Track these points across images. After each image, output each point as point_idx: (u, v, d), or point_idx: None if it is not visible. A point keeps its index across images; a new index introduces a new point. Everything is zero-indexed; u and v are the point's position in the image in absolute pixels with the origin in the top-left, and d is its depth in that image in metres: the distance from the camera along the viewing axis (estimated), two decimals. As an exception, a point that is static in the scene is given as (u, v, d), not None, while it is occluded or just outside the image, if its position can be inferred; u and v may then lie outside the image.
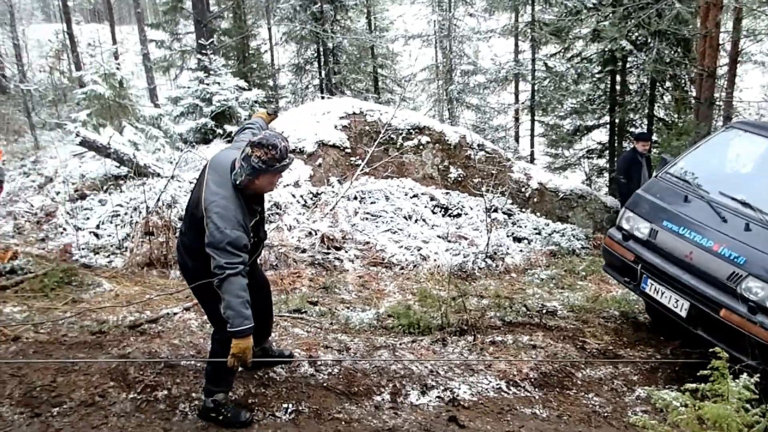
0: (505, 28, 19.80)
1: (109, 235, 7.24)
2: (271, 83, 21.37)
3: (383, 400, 4.27)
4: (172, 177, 7.80)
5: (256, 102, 12.56)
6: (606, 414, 4.49)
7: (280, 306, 5.58)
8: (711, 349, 3.11)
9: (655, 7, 12.24)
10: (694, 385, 3.00)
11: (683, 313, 4.80)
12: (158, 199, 7.28)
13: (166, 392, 4.03)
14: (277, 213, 7.36)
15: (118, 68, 10.88)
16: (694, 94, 12.81)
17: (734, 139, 5.60)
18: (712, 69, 11.15)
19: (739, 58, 15.29)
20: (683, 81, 14.90)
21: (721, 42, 12.20)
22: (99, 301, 5.62)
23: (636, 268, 5.21)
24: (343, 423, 3.93)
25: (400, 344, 5.11)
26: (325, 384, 4.32)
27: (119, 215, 7.59)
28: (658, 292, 5.04)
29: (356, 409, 4.11)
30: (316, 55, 20.45)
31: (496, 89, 20.59)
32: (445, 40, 20.34)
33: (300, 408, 4.02)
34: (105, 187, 8.69)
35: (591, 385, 4.88)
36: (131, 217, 7.42)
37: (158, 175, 8.58)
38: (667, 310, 4.97)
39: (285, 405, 4.02)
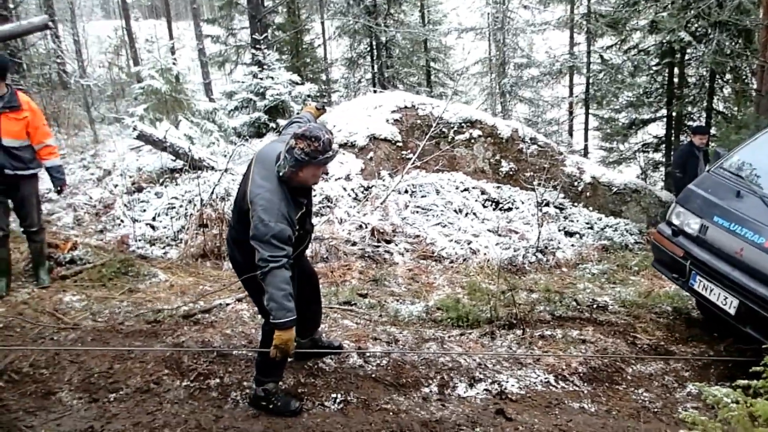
0: (560, 20, 19.45)
1: (165, 227, 7.48)
2: (324, 77, 21.58)
3: (431, 392, 4.32)
4: (226, 170, 8.01)
5: (309, 96, 12.72)
6: (656, 410, 4.43)
7: (330, 298, 5.69)
8: (764, 346, 3.06)
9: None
10: (746, 382, 2.95)
11: (732, 311, 4.73)
12: (212, 192, 7.49)
13: (218, 380, 4.18)
14: (328, 206, 7.48)
15: (174, 63, 11.20)
16: (755, 86, 12.35)
17: None
18: (774, 60, 10.71)
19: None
20: (744, 73, 14.40)
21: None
22: (155, 291, 5.84)
23: (685, 264, 5.15)
24: (390, 413, 3.99)
25: (449, 337, 5.15)
26: (373, 375, 4.39)
27: (174, 207, 7.83)
28: (707, 290, 4.98)
29: (404, 400, 4.16)
30: (368, 49, 20.55)
31: (550, 82, 20.28)
32: (499, 32, 20.16)
33: (348, 398, 4.10)
34: (161, 180, 8.98)
35: (641, 381, 4.82)
36: (186, 209, 7.64)
37: (212, 168, 8.80)
38: (716, 307, 4.91)
39: (334, 395, 4.11)
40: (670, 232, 5.41)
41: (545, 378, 4.69)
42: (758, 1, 11.73)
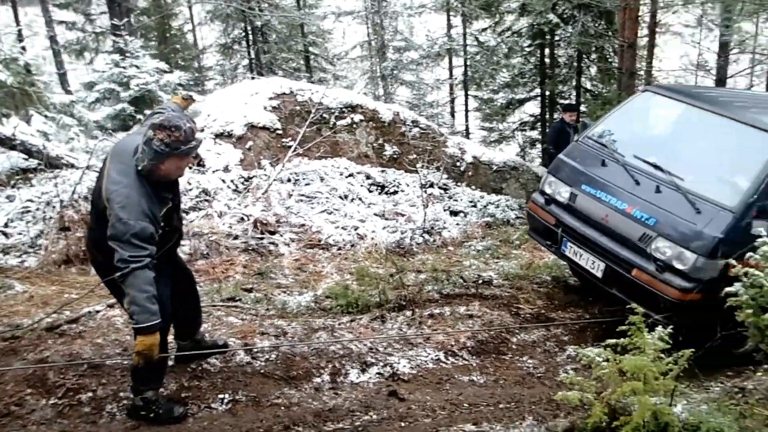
0: (437, 2, 19.79)
1: (20, 233, 6.80)
2: (196, 65, 20.76)
3: (323, 381, 4.24)
4: (88, 167, 7.39)
5: (180, 85, 12.18)
6: (539, 375, 4.61)
7: (212, 296, 5.46)
8: (628, 306, 3.21)
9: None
10: (615, 341, 3.09)
11: (599, 274, 4.96)
12: (73, 192, 6.92)
13: (90, 394, 3.84)
14: (206, 200, 7.18)
15: (21, 53, 10.24)
16: (617, 65, 13.15)
17: (648, 103, 5.77)
18: (633, 40, 11.43)
19: (657, 29, 15.76)
20: (608, 53, 15.28)
21: (640, 14, 12.50)
22: (11, 304, 5.28)
23: (557, 231, 5.34)
24: (282, 408, 3.88)
25: (339, 324, 5.09)
26: (262, 371, 4.25)
27: (30, 211, 7.13)
28: (577, 255, 5.18)
29: (296, 393, 4.06)
30: (243, 34, 19.93)
31: (430, 65, 20.66)
32: (376, 16, 20.20)
33: (237, 397, 3.94)
34: (12, 182, 8.16)
35: (525, 349, 5.00)
36: (44, 212, 7.00)
37: (72, 166, 8.12)
38: (585, 271, 5.13)
39: (221, 396, 3.92)
40: (543, 201, 5.58)
41: (436, 356, 4.74)
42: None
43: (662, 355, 3.04)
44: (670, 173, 4.79)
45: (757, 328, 4.02)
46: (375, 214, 8.02)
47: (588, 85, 16.14)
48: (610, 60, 14.96)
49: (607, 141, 5.42)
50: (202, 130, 8.81)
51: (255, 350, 4.46)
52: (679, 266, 4.49)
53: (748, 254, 4.13)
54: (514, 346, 5.00)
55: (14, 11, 21.37)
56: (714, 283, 4.34)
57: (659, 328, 3.22)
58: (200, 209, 7.04)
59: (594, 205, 5.08)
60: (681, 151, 5.22)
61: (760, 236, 4.13)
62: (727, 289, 4.07)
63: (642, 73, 14.55)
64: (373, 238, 7.24)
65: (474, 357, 4.81)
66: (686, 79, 21.80)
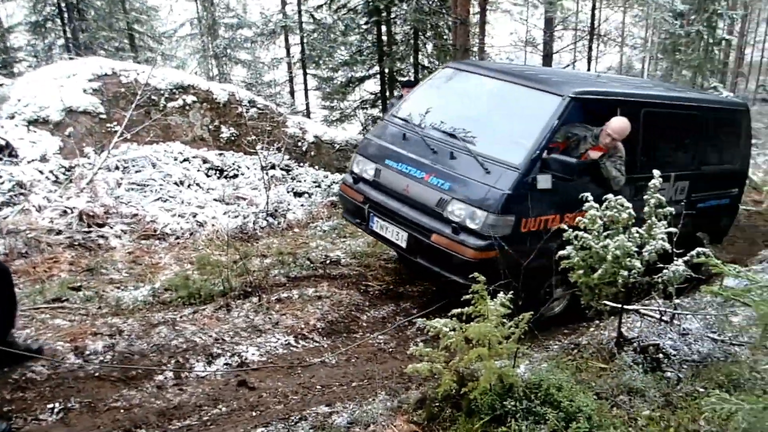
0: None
1: None
2: (1, 45, 18.66)
3: (166, 378, 4.02)
4: None
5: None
6: (391, 349, 4.68)
7: (34, 297, 4.94)
8: (471, 275, 3.31)
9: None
10: (459, 310, 3.18)
11: (403, 244, 5.12)
12: None
13: None
14: (21, 194, 6.45)
15: None
16: (451, 41, 13.60)
17: (449, 78, 6.01)
18: (465, 17, 11.87)
19: (488, 7, 16.54)
20: (443, 30, 15.77)
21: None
22: None
23: (364, 208, 5.44)
24: (121, 411, 3.62)
25: (181, 317, 4.83)
26: (97, 374, 3.93)
27: None
28: (383, 228, 5.31)
29: (136, 394, 3.81)
30: (57, 10, 18.16)
31: (265, 43, 20.14)
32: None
33: (69, 405, 3.62)
34: None
35: (375, 325, 5.05)
36: None
37: None
38: (391, 243, 5.27)
39: (50, 405, 3.58)
40: (352, 181, 5.68)
41: (286, 340, 4.66)
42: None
43: (504, 321, 3.17)
44: (464, 139, 5.03)
45: (588, 287, 4.35)
46: (215, 200, 7.69)
47: (425, 62, 16.55)
48: (444, 37, 15.45)
49: (409, 117, 5.57)
50: (12, 117, 7.92)
51: (87, 352, 4.11)
52: (472, 225, 4.68)
53: (578, 219, 4.44)
54: (364, 324, 5.03)
55: None
56: (508, 239, 4.60)
57: (501, 295, 3.37)
58: (14, 204, 6.32)
59: (396, 177, 5.23)
60: (476, 118, 5.44)
61: (547, 189, 4.68)
62: (561, 252, 4.36)
63: (476, 49, 15.19)
64: (213, 225, 6.94)
65: (325, 338, 4.79)
66: (516, 54, 23.20)
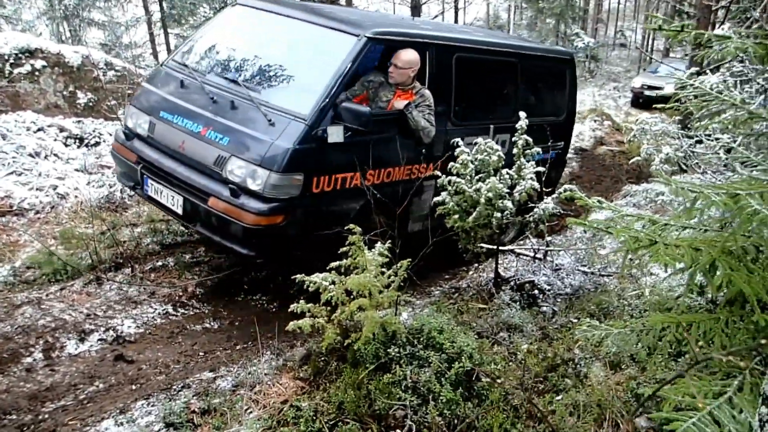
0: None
1: None
2: None
3: (35, 360, 3.80)
4: None
5: None
6: (274, 309, 4.63)
7: None
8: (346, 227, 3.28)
9: None
10: (337, 263, 3.18)
11: (180, 210, 4.40)
12: None
13: None
14: None
15: None
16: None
17: (237, 17, 5.33)
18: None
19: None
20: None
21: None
22: None
23: (137, 169, 4.67)
24: (-13, 398, 3.37)
25: (47, 296, 4.54)
26: (-46, 361, 3.64)
27: None
28: (158, 193, 4.55)
29: (2, 379, 3.56)
30: None
31: (122, 2, 18.89)
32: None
33: None
34: None
35: (258, 286, 4.96)
36: None
37: None
38: (169, 210, 4.54)
39: None
40: (124, 137, 4.86)
41: (164, 309, 4.50)
42: None
43: (384, 270, 3.20)
44: (247, 86, 4.38)
45: (464, 231, 4.50)
46: (76, 170, 7.18)
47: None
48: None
49: (191, 61, 4.90)
50: None
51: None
52: (253, 187, 4.01)
53: (451, 164, 4.46)
54: (246, 286, 4.93)
55: None
56: (297, 202, 4.09)
57: (378, 245, 3.39)
58: None
59: (171, 132, 4.48)
60: (265, 62, 4.65)
61: (341, 143, 4.13)
62: (435, 198, 4.44)
63: (343, 2, 15.00)
64: (77, 197, 6.50)
65: (206, 304, 4.67)
66: (385, 6, 23.13)
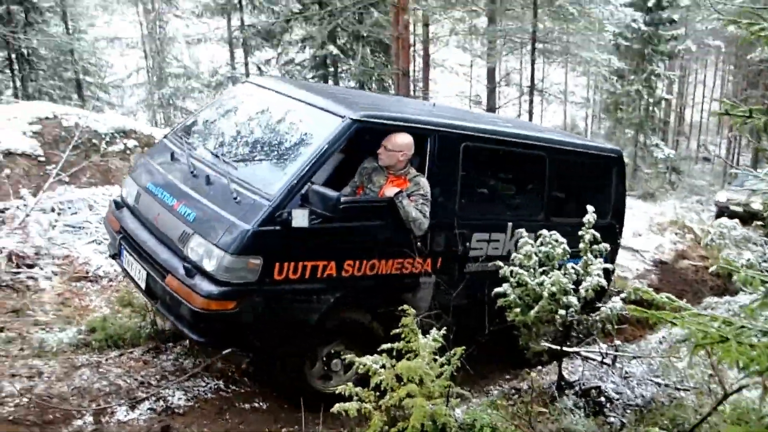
0: (217, 31, 19.48)
1: None
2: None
3: (85, 423, 3.83)
4: None
5: None
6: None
7: (-51, 340, 4.66)
8: (403, 307, 3.22)
9: (350, 10, 12.99)
10: (389, 345, 3.09)
11: (143, 285, 4.20)
12: None
13: None
14: (-52, 233, 6.18)
15: None
16: (394, 92, 13.92)
17: (242, 94, 5.31)
18: (406, 68, 12.21)
19: (431, 62, 17.04)
20: (387, 82, 16.17)
21: (412, 43, 13.40)
22: None
23: (118, 238, 4.55)
24: (35, 457, 3.39)
25: (107, 360, 4.62)
26: (10, 417, 3.70)
27: None
28: (129, 265, 4.38)
29: (51, 440, 3.58)
30: (7, 62, 18.11)
31: (213, 93, 20.19)
32: (153, 42, 19.37)
33: (-22, 450, 3.38)
34: None
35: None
36: None
37: None
38: (136, 285, 4.34)
39: (-43, 450, 3.34)
40: (115, 207, 4.79)
41: (215, 384, 4.48)
42: (392, 18, 13.17)
43: (437, 357, 3.09)
44: (225, 161, 4.22)
45: (525, 326, 4.29)
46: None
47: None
48: (387, 87, 15.80)
49: (189, 134, 4.86)
50: (-54, 158, 7.69)
51: (3, 394, 3.84)
52: (207, 267, 3.73)
53: (514, 255, 4.32)
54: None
55: None
56: (253, 288, 3.76)
57: (433, 330, 3.30)
58: (-62, 244, 6.03)
59: (151, 204, 4.36)
60: (256, 138, 4.56)
61: (311, 228, 3.75)
62: (496, 289, 4.28)
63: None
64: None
65: (256, 383, 4.63)
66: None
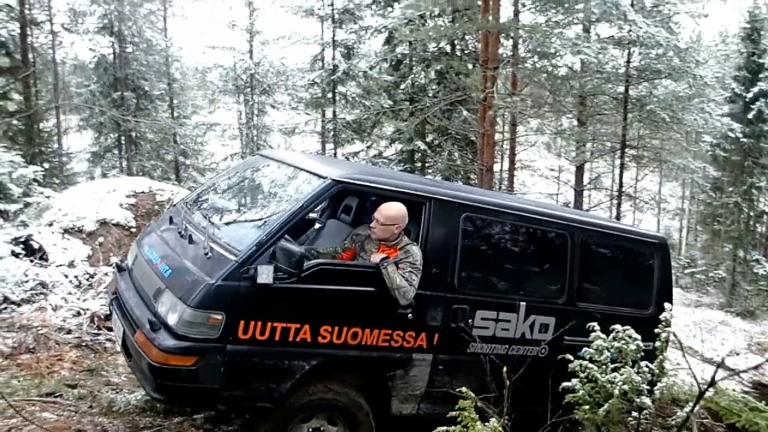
0: (309, 125, 20.55)
1: None
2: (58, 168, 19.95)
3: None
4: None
5: (35, 180, 11.43)
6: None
7: (29, 390, 4.87)
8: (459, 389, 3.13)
9: (438, 106, 13.44)
10: (444, 428, 3.00)
11: (120, 341, 4.18)
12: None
13: None
14: (42, 293, 6.60)
15: None
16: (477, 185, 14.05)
17: (251, 166, 5.48)
18: (490, 164, 12.32)
19: (517, 161, 17.17)
20: (471, 178, 16.38)
21: (498, 141, 13.61)
22: None
23: (111, 299, 4.61)
24: None
25: (168, 425, 4.66)
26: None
27: None
28: (114, 323, 4.40)
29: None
30: (116, 143, 19.75)
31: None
32: (249, 130, 20.66)
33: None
34: None
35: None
36: None
37: None
38: (118, 342, 4.34)
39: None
40: (117, 270, 4.82)
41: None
42: (478, 115, 13.51)
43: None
44: (212, 222, 4.19)
45: (594, 424, 4.05)
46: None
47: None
48: (472, 183, 15.99)
49: (193, 200, 4.98)
50: (51, 225, 8.33)
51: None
52: (170, 321, 3.67)
53: (584, 349, 4.14)
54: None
55: None
56: (214, 344, 3.61)
57: (493, 419, 3.18)
58: (33, 302, 6.45)
59: (142, 264, 4.40)
60: (247, 202, 4.74)
61: (275, 286, 3.63)
62: (565, 384, 4.09)
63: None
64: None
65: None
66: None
